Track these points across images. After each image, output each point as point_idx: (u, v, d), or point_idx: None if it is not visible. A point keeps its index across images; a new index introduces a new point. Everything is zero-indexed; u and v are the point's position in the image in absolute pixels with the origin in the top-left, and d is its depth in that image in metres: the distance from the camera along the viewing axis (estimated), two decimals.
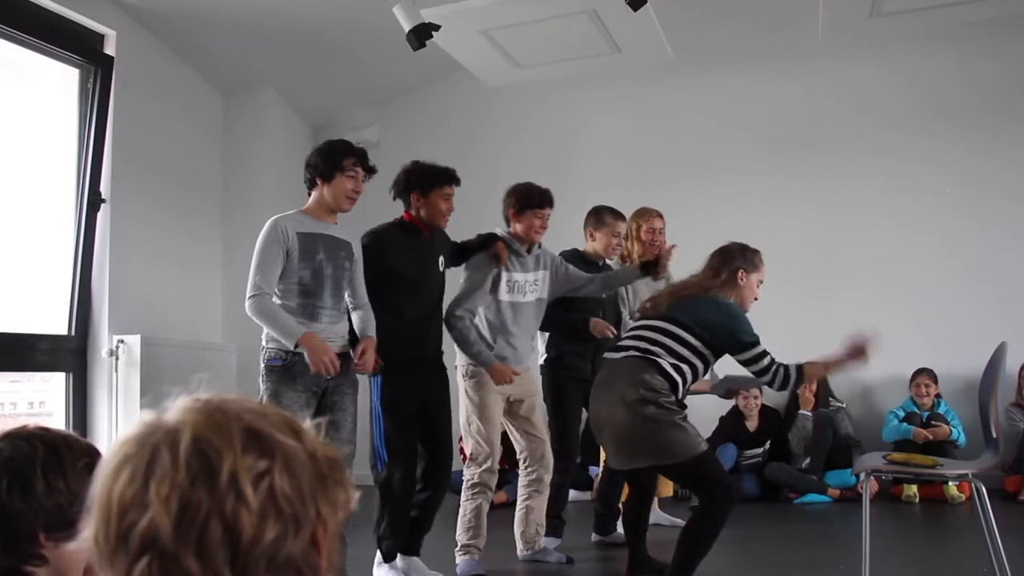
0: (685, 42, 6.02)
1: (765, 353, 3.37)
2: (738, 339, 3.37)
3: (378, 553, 3.80)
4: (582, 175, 6.47)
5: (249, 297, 3.35)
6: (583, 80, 6.92)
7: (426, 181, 3.81)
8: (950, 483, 5.63)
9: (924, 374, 6.12)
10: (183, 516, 0.70)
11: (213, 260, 6.62)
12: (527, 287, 4.07)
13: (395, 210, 3.98)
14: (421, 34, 4.82)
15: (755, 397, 6.28)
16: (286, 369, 3.35)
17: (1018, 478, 5.65)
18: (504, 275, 3.99)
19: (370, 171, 3.58)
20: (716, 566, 4.34)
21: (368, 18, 5.60)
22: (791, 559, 4.41)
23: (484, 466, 3.96)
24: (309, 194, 3.57)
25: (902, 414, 6.06)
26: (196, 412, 0.75)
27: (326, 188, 3.50)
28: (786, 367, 3.37)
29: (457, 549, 3.99)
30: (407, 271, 3.78)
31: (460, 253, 4.08)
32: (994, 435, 3.27)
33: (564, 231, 4.76)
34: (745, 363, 3.39)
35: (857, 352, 3.36)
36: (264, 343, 3.42)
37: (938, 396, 6.13)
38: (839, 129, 6.71)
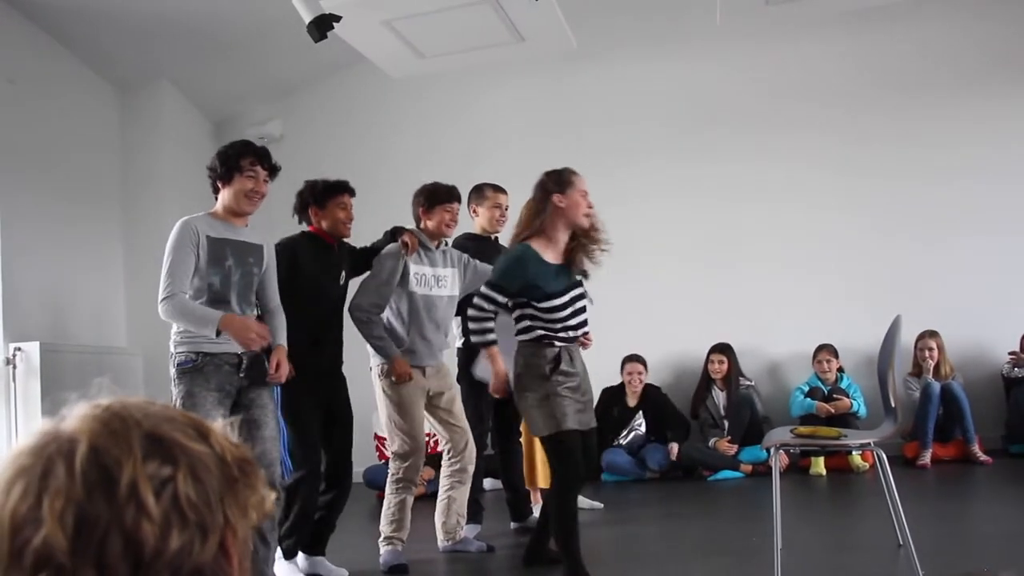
0: (587, 29, 6.08)
1: (486, 296, 3.44)
2: (492, 275, 3.52)
3: (278, 550, 3.82)
4: (488, 164, 6.46)
5: (161, 300, 3.29)
6: (487, 69, 6.93)
7: (321, 195, 3.92)
8: (854, 453, 5.84)
9: (825, 350, 6.33)
10: (80, 531, 0.67)
11: (115, 261, 6.41)
12: (435, 282, 4.11)
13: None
14: (322, 25, 4.72)
15: (639, 373, 6.37)
16: (198, 370, 3.30)
17: (916, 444, 5.91)
18: (412, 268, 4.02)
19: (272, 170, 3.51)
20: (635, 543, 4.43)
21: (267, 9, 5.48)
22: (707, 534, 4.52)
23: (408, 462, 3.98)
24: (216, 199, 3.52)
25: (807, 389, 6.27)
26: (94, 420, 0.71)
27: (226, 191, 3.44)
28: (486, 331, 3.47)
29: (381, 540, 4.02)
30: (312, 279, 3.85)
31: (365, 256, 4.11)
32: (893, 405, 3.40)
33: (470, 220, 4.74)
34: (477, 297, 3.48)
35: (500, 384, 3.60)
36: (172, 348, 3.35)
37: (840, 370, 6.35)
38: (740, 111, 6.87)
